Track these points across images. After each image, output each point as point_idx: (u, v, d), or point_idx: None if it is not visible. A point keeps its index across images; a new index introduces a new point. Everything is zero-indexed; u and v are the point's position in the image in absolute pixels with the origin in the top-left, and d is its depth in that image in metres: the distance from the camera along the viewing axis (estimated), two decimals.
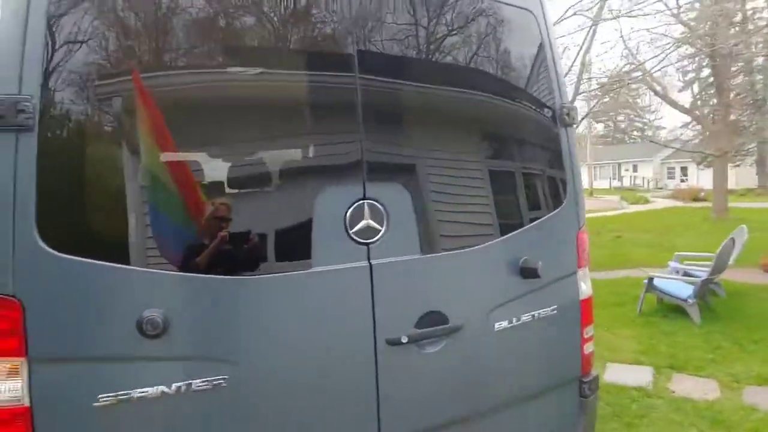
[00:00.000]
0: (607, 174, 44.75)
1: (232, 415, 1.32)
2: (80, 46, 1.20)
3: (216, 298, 1.30)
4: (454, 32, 1.64)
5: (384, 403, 1.46)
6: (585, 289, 1.88)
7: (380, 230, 1.46)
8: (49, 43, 1.16)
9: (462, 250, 1.60)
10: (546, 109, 1.81)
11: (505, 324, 1.64)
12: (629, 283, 6.76)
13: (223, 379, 1.29)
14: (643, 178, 41.07)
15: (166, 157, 1.31)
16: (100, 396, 1.19)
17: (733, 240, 5.51)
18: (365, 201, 1.45)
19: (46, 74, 1.15)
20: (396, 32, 1.53)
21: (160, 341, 1.23)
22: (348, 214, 1.43)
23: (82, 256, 1.18)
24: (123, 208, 1.26)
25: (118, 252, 1.23)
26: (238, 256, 1.35)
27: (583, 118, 12.19)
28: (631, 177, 42.40)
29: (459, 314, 1.56)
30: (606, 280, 7.33)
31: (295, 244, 1.40)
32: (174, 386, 1.25)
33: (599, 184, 40.92)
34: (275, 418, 1.36)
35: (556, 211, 1.80)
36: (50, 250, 1.14)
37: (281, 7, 1.41)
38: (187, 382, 1.26)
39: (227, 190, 1.35)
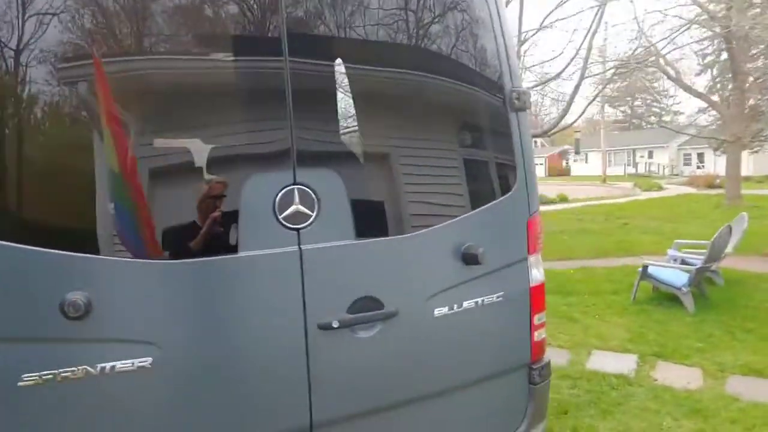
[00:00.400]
0: (621, 160, 43.95)
1: (158, 396, 1.34)
2: None
3: (140, 282, 1.32)
4: (392, 12, 1.61)
5: (316, 387, 1.47)
6: (536, 275, 1.86)
7: (311, 215, 1.46)
8: None
9: (398, 236, 1.59)
10: (494, 93, 1.77)
11: (445, 310, 1.64)
12: (628, 271, 6.67)
13: (148, 361, 1.31)
14: (659, 164, 40.27)
15: (90, 140, 1.32)
16: (24, 376, 1.22)
17: (730, 228, 5.39)
18: (295, 186, 1.44)
19: None
20: (327, 13, 1.51)
21: (83, 323, 1.25)
22: (277, 199, 1.42)
23: (2, 240, 1.20)
24: (45, 192, 1.28)
25: (40, 235, 1.25)
26: (163, 240, 1.36)
27: (590, 103, 11.96)
28: (646, 164, 41.58)
29: (394, 300, 1.56)
30: (606, 268, 7.27)
31: (223, 230, 1.41)
32: (98, 367, 1.27)
33: (613, 170, 40.24)
34: (203, 401, 1.38)
35: (504, 197, 1.78)
36: None
37: None
38: (111, 363, 1.28)
39: (153, 174, 1.36)
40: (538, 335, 1.87)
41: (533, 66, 12.01)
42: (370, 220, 1.57)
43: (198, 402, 1.37)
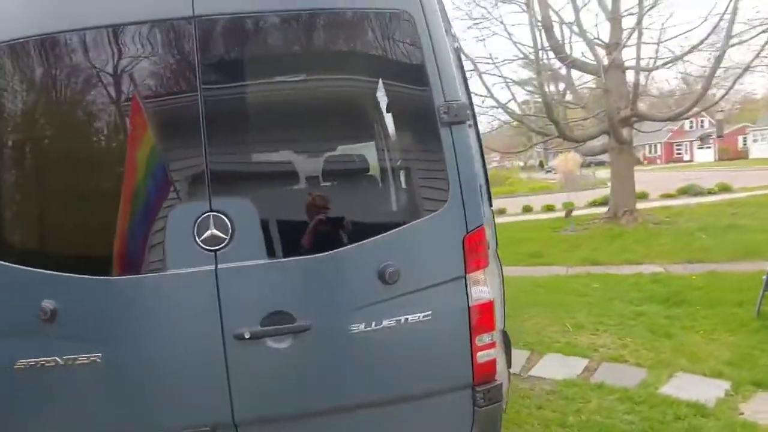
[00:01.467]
0: None
1: (105, 385, 1.67)
2: None
3: (91, 294, 1.65)
4: (309, 37, 1.71)
5: (235, 387, 1.65)
6: (480, 294, 1.78)
7: (225, 239, 1.65)
8: None
9: (312, 255, 1.68)
10: (421, 109, 1.75)
11: (362, 327, 1.68)
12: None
13: (98, 356, 1.63)
14: None
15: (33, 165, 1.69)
16: (19, 360, 1.63)
17: None
18: (210, 213, 1.64)
19: None
20: (241, 41, 1.67)
21: (53, 324, 1.62)
22: (197, 224, 1.64)
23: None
24: (28, 220, 1.68)
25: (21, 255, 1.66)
26: (106, 260, 1.67)
27: (741, 74, 10.03)
28: None
29: (307, 315, 1.66)
30: (743, 274, 6.11)
31: (155, 251, 1.67)
32: (64, 358, 1.63)
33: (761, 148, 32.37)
34: (139, 395, 1.67)
35: (431, 215, 1.75)
36: None
37: (125, 25, 1.63)
38: (73, 355, 1.63)
39: (95, 203, 1.68)
40: (483, 356, 1.79)
41: (667, 40, 10.55)
42: (283, 240, 1.70)
43: (134, 396, 1.67)
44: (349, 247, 1.70)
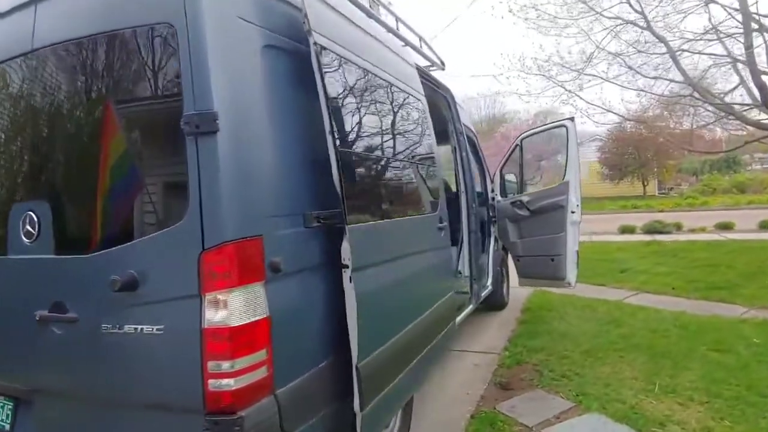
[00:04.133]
0: None
1: None
2: None
3: None
4: (83, 63, 1.89)
5: (34, 361, 1.98)
6: (218, 317, 1.64)
7: (34, 234, 1.96)
8: None
9: (79, 255, 1.85)
10: (172, 120, 1.69)
11: (110, 327, 1.77)
12: None
13: None
14: None
15: None
16: None
17: None
18: (29, 212, 2.00)
19: None
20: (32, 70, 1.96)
21: None
22: (23, 220, 2.01)
23: None
24: None
25: None
26: None
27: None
28: None
29: (75, 308, 1.85)
30: None
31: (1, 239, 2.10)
32: None
33: None
34: None
35: (171, 228, 1.68)
36: None
37: None
38: None
39: None
40: (217, 384, 1.65)
41: None
42: (68, 240, 1.94)
43: None
44: (99, 252, 1.82)
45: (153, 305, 1.72)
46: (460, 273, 4.88)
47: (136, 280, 1.71)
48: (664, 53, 8.45)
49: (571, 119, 5.15)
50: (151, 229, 1.78)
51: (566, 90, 9.28)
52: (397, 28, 3.61)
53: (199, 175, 1.66)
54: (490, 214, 5.74)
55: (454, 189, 5.19)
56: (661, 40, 8.39)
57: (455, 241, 4.93)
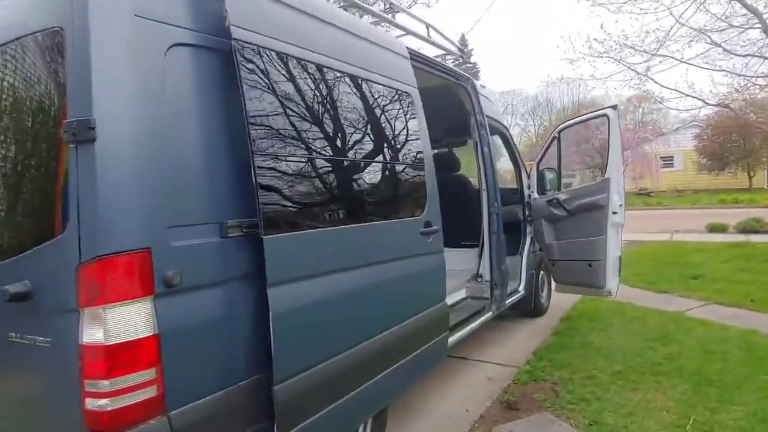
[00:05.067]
0: None
1: None
2: None
3: None
4: None
5: None
6: (94, 335, 1.57)
7: None
8: None
9: None
10: (55, 128, 1.62)
11: (10, 336, 1.77)
12: None
13: None
14: None
15: None
16: None
17: None
18: None
19: None
20: None
21: None
22: None
23: None
24: None
25: None
26: None
27: None
28: None
29: None
30: None
31: None
32: None
33: None
34: None
35: (57, 238, 1.61)
36: None
37: None
38: None
39: None
40: (95, 404, 1.57)
41: None
42: None
43: None
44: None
45: (43, 318, 1.69)
46: (481, 277, 4.52)
47: (26, 292, 1.68)
48: (755, 25, 7.27)
49: (614, 107, 4.54)
50: (43, 239, 1.73)
51: (637, 73, 8.32)
52: (393, 17, 3.35)
53: (78, 185, 1.58)
54: (526, 212, 5.28)
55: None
56: (754, 13, 7.23)
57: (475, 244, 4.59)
